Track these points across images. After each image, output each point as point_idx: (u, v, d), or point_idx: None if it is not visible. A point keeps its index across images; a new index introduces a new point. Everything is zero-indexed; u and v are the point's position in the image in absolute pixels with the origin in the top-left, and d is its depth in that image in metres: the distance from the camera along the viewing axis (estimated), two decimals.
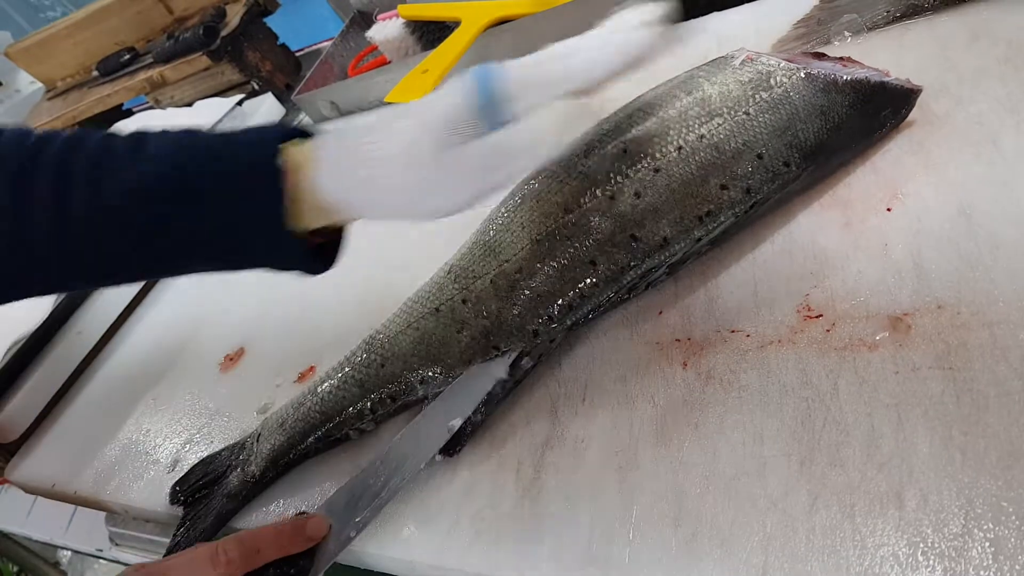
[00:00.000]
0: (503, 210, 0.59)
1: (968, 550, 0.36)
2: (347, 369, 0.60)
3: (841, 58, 0.58)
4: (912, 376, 0.43)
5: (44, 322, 0.99)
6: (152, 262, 0.54)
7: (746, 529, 0.42)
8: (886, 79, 0.54)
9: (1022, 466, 0.37)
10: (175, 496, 0.64)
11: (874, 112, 0.54)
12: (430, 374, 0.57)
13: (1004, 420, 0.39)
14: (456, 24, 0.94)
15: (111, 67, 1.44)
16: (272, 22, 1.40)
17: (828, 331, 0.48)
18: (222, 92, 1.36)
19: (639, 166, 0.54)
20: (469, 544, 0.51)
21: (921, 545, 0.37)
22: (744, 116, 0.53)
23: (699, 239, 0.53)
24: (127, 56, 1.43)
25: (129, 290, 1.04)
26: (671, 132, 0.54)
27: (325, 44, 1.41)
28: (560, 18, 0.88)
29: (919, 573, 0.37)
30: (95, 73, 1.48)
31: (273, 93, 1.30)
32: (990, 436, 0.39)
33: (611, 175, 0.55)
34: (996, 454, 0.38)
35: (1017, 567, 0.35)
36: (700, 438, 0.47)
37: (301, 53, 1.47)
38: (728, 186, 0.52)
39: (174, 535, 0.62)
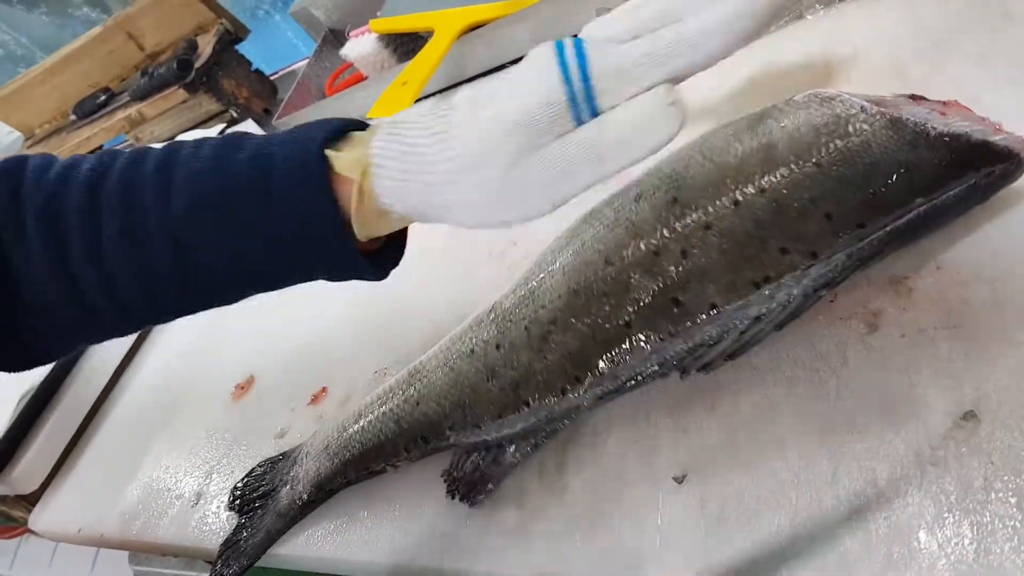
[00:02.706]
0: (552, 248, 0.55)
1: (991, 503, 0.37)
2: (386, 401, 0.59)
3: (945, 102, 0.49)
4: (919, 338, 0.44)
5: (52, 370, 0.99)
6: (208, 289, 0.52)
7: (772, 503, 0.43)
8: (991, 137, 0.45)
9: None
10: (233, 501, 0.66)
11: (972, 176, 0.44)
12: (459, 422, 0.55)
13: (1013, 372, 0.40)
14: (430, 34, 0.94)
15: (88, 109, 1.45)
16: (244, 49, 1.40)
17: (832, 302, 0.49)
18: (202, 123, 1.36)
19: (688, 220, 0.47)
20: (502, 548, 0.51)
21: (945, 502, 0.38)
22: (813, 167, 0.45)
23: (758, 317, 0.46)
24: (103, 97, 1.44)
25: None
26: (728, 182, 0.47)
27: (300, 65, 1.42)
28: (534, 17, 0.89)
29: (946, 530, 0.37)
30: (72, 117, 1.49)
31: (252, 119, 1.30)
32: (1001, 390, 0.40)
33: (657, 227, 0.48)
34: (1009, 407, 0.39)
35: None
36: (717, 419, 0.48)
37: (276, 76, 1.48)
38: (789, 249, 0.44)
39: (225, 543, 0.63)
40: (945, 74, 0.55)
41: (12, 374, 0.55)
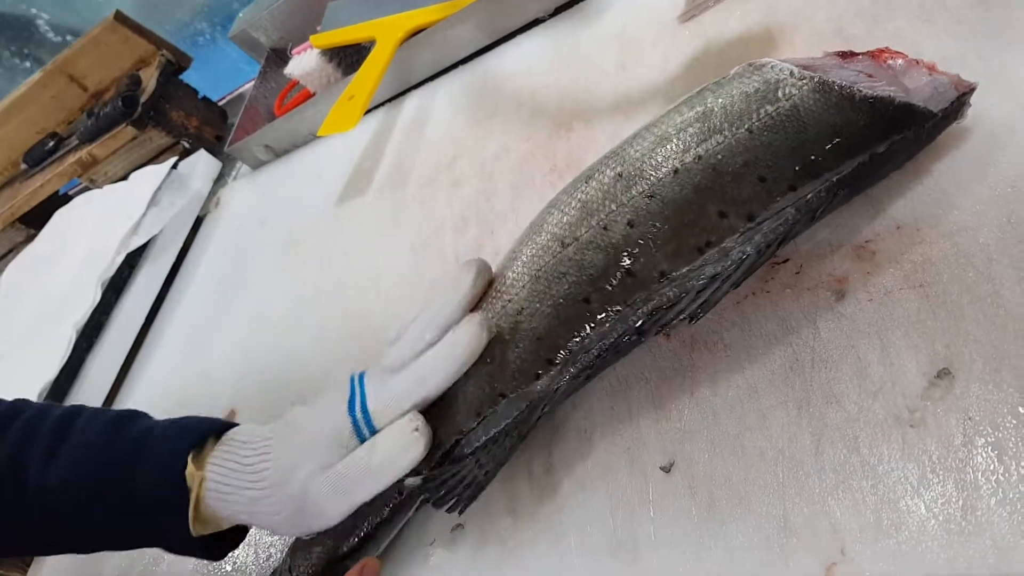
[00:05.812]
0: (517, 240, 0.56)
1: (973, 458, 0.37)
2: None
3: (873, 53, 0.50)
4: (886, 300, 0.44)
5: None
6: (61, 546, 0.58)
7: (760, 483, 0.43)
8: (913, 99, 0.45)
9: (1009, 367, 0.38)
10: None
11: (896, 136, 0.45)
12: (445, 437, 0.52)
13: (983, 325, 0.40)
14: (372, 44, 0.93)
15: (38, 157, 1.42)
16: (188, 77, 1.38)
17: (797, 274, 0.49)
18: (155, 158, 1.34)
19: (633, 191, 0.49)
20: (499, 555, 0.51)
21: (928, 462, 0.38)
22: (746, 133, 0.46)
23: (713, 276, 0.46)
24: (52, 143, 1.41)
25: (110, 374, 1.03)
26: (667, 150, 0.49)
27: (246, 87, 1.40)
28: (473, 17, 0.88)
29: (932, 490, 0.37)
30: (23, 166, 1.46)
31: (205, 148, 1.29)
32: (972, 343, 0.40)
33: (605, 202, 0.50)
34: (982, 360, 0.39)
35: (1023, 465, 0.36)
36: (697, 404, 0.48)
37: (223, 102, 1.46)
38: (727, 213, 0.45)
39: None
40: (886, 29, 0.55)
41: None
